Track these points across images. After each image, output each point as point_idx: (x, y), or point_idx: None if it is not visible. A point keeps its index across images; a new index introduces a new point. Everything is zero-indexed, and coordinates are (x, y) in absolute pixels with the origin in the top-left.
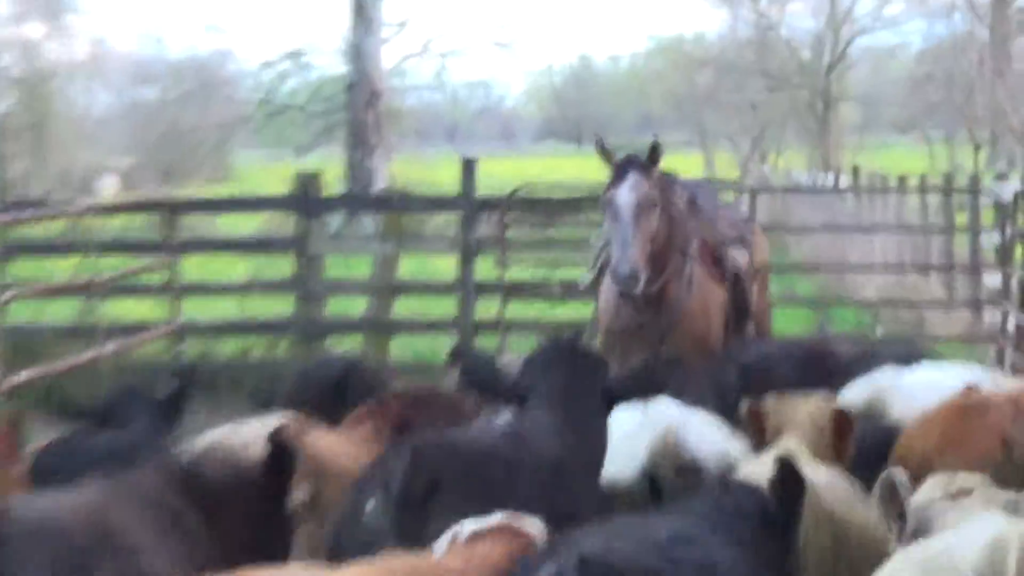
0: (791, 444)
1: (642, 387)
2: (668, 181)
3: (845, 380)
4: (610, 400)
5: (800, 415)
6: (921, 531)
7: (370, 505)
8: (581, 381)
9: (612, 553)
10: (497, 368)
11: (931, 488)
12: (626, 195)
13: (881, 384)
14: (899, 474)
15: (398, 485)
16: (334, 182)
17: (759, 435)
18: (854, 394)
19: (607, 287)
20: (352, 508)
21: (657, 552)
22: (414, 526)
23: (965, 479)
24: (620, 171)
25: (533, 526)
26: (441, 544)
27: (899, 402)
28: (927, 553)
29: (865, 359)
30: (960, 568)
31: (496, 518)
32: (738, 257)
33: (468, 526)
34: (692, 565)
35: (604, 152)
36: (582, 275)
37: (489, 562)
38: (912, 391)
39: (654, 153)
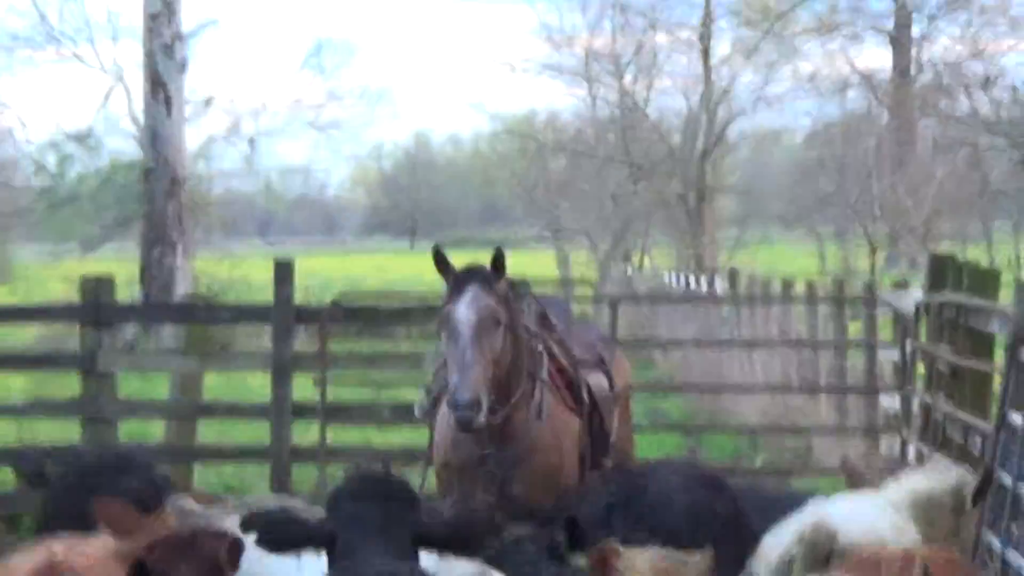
0: None
1: (458, 537)
2: (517, 294)
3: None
4: (420, 544)
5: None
6: None
7: None
8: (391, 519)
9: None
10: (293, 519)
11: None
12: (465, 312)
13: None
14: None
15: None
16: (127, 284)
17: None
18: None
19: (444, 415)
20: None
21: None
22: None
23: None
24: (459, 284)
25: None
26: None
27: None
28: None
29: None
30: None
31: None
32: (595, 382)
33: None
34: None
35: (441, 262)
36: (417, 401)
37: None
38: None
39: (497, 262)
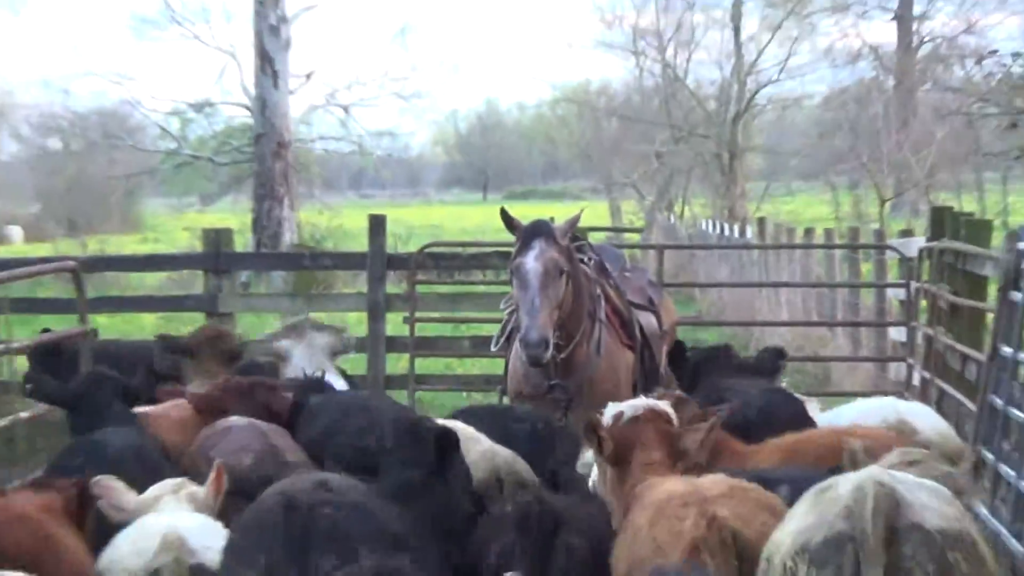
0: None
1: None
2: (578, 246)
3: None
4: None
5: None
6: None
7: None
8: None
9: None
10: None
11: (891, 457)
12: (532, 263)
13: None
14: (858, 446)
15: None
16: (241, 232)
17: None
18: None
19: (516, 351)
20: None
21: None
22: None
23: (919, 453)
24: (527, 238)
25: None
26: None
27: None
28: (819, 491)
29: None
30: (837, 500)
31: None
32: (646, 321)
33: None
34: None
35: (508, 220)
36: (494, 337)
37: None
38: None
39: (571, 223)
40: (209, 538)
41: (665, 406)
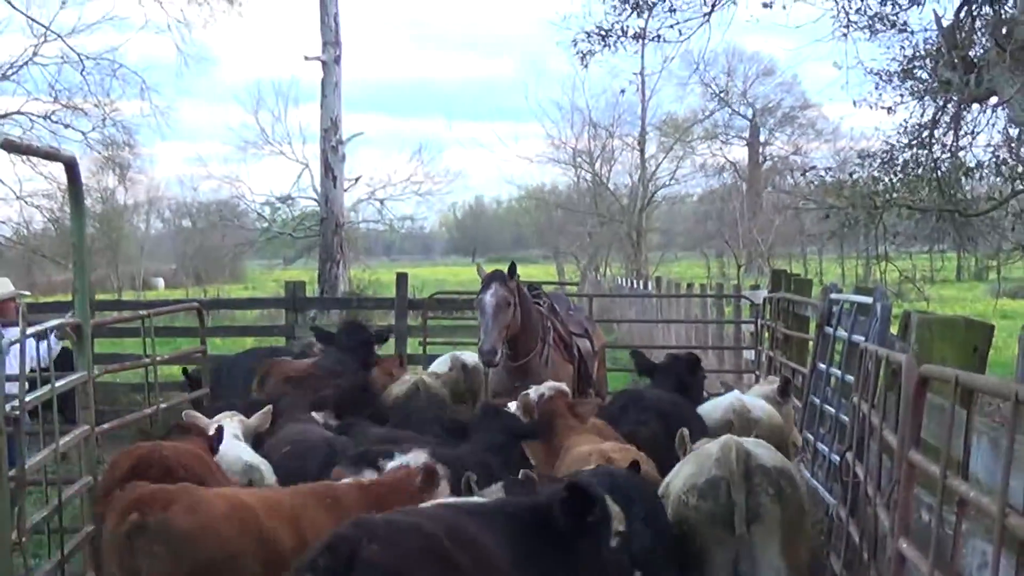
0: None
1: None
2: (536, 294)
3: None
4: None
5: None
6: None
7: None
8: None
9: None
10: None
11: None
12: (488, 298)
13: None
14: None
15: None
16: (310, 284)
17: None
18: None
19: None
20: None
21: None
22: None
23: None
24: (485, 282)
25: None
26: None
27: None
28: (696, 452)
29: None
30: (710, 455)
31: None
32: (582, 345)
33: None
34: None
35: (480, 270)
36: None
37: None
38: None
39: (511, 270)
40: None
41: (563, 387)
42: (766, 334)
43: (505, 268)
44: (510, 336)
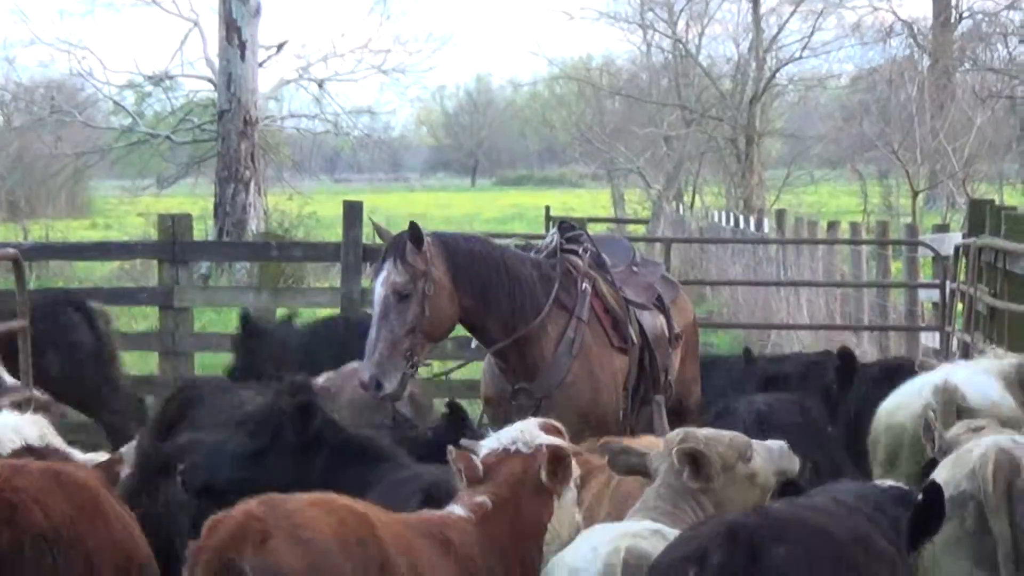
0: None
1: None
2: (573, 236)
3: None
4: None
5: None
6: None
7: None
8: None
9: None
10: None
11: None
12: (376, 290)
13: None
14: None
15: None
16: (201, 219)
17: None
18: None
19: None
20: None
21: None
22: None
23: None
24: (381, 262)
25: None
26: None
27: None
28: (957, 455)
29: None
30: (969, 462)
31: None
32: (649, 322)
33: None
34: None
35: (380, 234)
36: (472, 340)
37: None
38: None
39: (414, 233)
40: None
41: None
42: (960, 305)
43: (541, 198)
44: (473, 322)
